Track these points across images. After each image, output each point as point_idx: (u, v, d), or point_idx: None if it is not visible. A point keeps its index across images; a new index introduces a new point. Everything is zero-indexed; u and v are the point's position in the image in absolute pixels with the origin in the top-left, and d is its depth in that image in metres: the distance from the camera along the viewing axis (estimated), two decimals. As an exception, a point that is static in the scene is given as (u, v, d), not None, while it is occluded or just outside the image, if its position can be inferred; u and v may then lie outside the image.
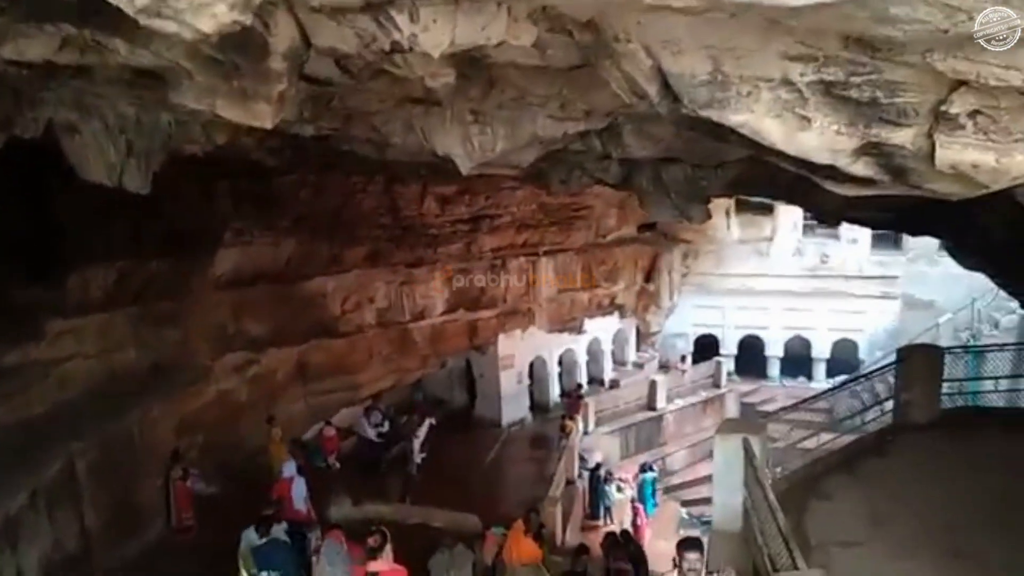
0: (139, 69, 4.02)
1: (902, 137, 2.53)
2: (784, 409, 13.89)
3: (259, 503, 11.43)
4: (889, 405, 12.82)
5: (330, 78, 4.78)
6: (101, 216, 12.41)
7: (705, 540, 8.02)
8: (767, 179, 7.49)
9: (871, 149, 2.67)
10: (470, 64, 4.04)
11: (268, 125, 3.77)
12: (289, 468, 11.28)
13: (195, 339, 12.99)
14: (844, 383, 17.91)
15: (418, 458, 15.36)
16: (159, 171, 7.63)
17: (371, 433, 15.98)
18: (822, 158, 2.73)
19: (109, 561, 9.56)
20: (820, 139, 2.65)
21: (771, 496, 7.78)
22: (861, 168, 2.74)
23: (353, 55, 3.59)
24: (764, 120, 2.68)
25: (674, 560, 8.43)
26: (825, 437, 13.36)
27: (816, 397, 15.11)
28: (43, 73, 4.50)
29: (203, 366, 13.07)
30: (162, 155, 6.65)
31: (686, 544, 5.19)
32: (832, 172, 2.85)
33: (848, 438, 13.15)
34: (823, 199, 7.37)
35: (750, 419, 19.21)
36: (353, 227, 16.45)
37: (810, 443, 13.10)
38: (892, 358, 20.34)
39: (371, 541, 5.83)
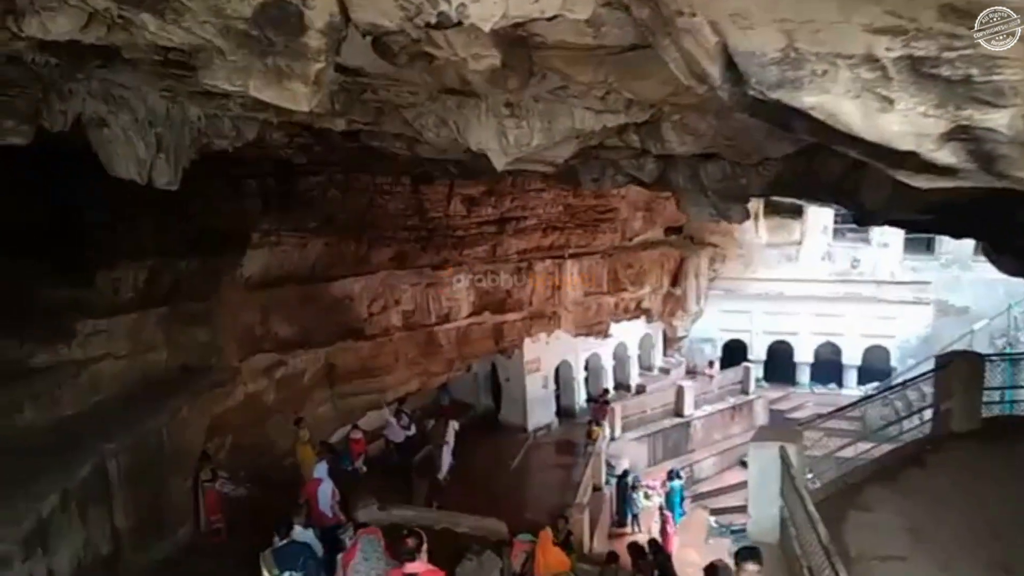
0: (168, 50, 3.88)
1: (997, 119, 2.32)
2: (820, 417, 13.62)
3: (288, 506, 11.41)
4: (925, 414, 12.53)
5: (362, 67, 4.64)
6: (130, 215, 12.51)
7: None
8: (810, 177, 7.26)
9: (960, 134, 2.46)
10: (515, 45, 3.86)
11: (305, 108, 3.62)
12: (320, 469, 11.22)
13: (224, 340, 12.98)
14: (883, 390, 17.54)
15: (447, 468, 15.30)
16: (188, 170, 7.60)
17: (401, 436, 15.94)
18: (904, 144, 2.53)
19: (139, 563, 9.53)
20: (904, 122, 2.44)
21: (811, 507, 7.55)
22: (946, 155, 2.53)
23: (395, 31, 3.43)
24: (841, 102, 2.47)
25: (707, 570, 8.24)
26: (858, 446, 13.10)
27: (854, 404, 14.80)
28: (70, 61, 4.40)
29: (232, 367, 13.06)
30: (192, 150, 6.58)
31: (745, 554, 4.97)
32: (906, 161, 2.65)
33: (883, 447, 12.90)
34: (869, 197, 7.12)
35: (780, 426, 18.91)
36: (380, 228, 16.45)
37: (841, 451, 12.84)
38: (925, 366, 20.04)
39: (409, 542, 5.69)
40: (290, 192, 14.87)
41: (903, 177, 2.93)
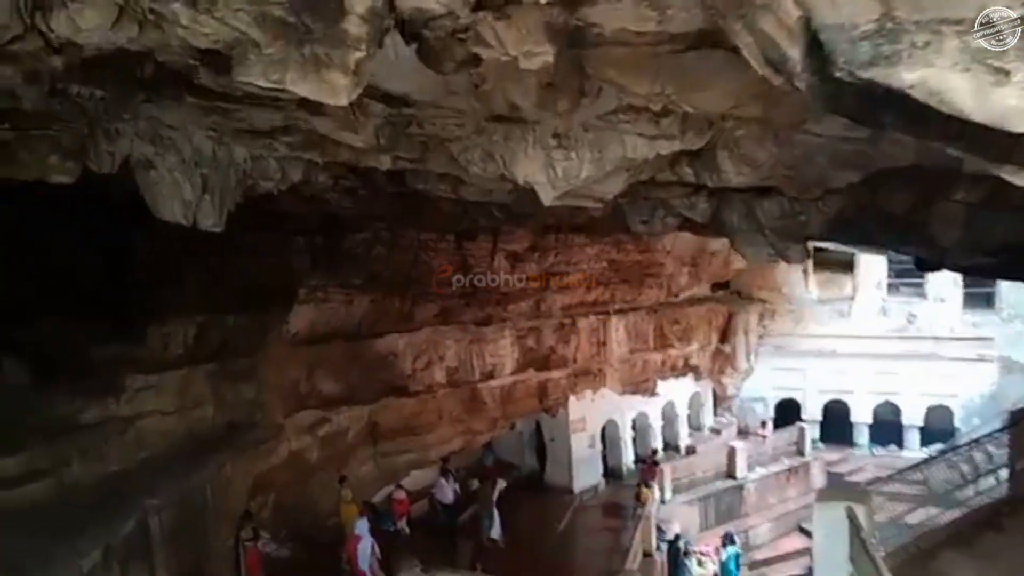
0: (203, 53, 3.80)
1: None
2: (887, 478, 12.89)
3: (329, 567, 11.14)
4: (995, 474, 11.81)
5: (408, 94, 4.56)
6: (179, 271, 12.73)
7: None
8: (875, 210, 6.92)
9: (1089, 110, 2.18)
10: (569, 42, 3.68)
11: (343, 101, 3.48)
12: (361, 526, 10.98)
13: (269, 396, 12.92)
14: (949, 450, 16.56)
15: (499, 530, 14.88)
16: (236, 226, 7.62)
17: (450, 496, 15.58)
18: (1023, 123, 2.25)
19: (179, 623, 9.28)
20: (1023, 96, 2.17)
21: (886, 573, 7.03)
22: (1074, 136, 2.24)
23: (442, 14, 3.30)
24: (947, 77, 2.19)
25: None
26: (925, 510, 12.33)
27: (919, 465, 13.99)
28: (115, 95, 4.41)
29: (276, 424, 12.95)
30: (237, 192, 6.59)
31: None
32: (1017, 151, 2.37)
33: (949, 510, 12.12)
34: (941, 231, 6.73)
35: (846, 486, 17.98)
36: (424, 285, 16.45)
37: (906, 516, 12.11)
38: (991, 425, 18.98)
39: (459, 598, 5.42)
40: (337, 249, 15.03)
41: (1008, 175, 2.65)
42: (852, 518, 8.51)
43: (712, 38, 3.29)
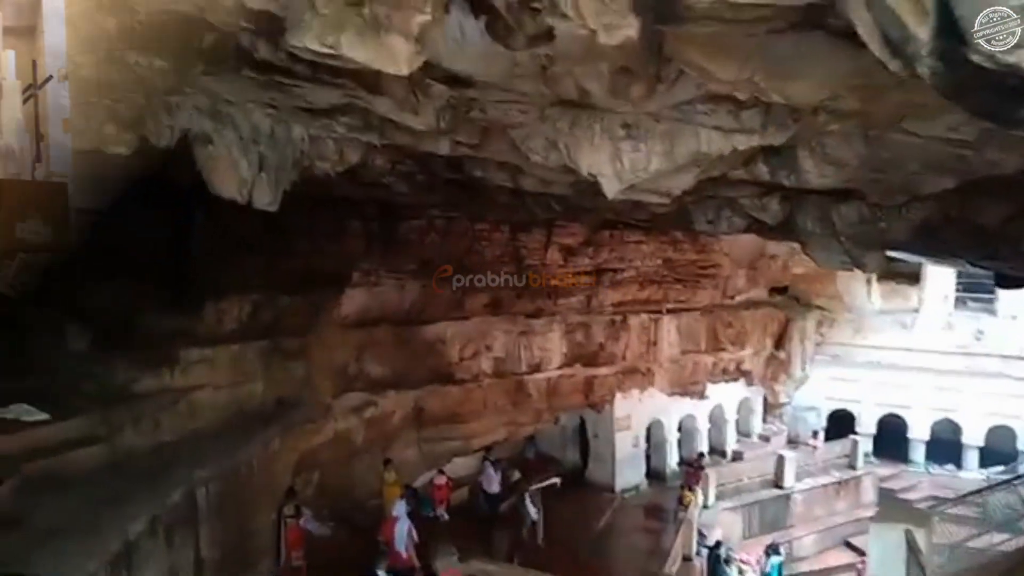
0: (258, 15, 3.62)
1: None
2: (939, 500, 12.34)
3: (368, 548, 11.19)
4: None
5: (472, 75, 4.34)
6: (238, 250, 12.87)
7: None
8: (964, 223, 6.44)
9: None
10: (656, 16, 3.34)
11: (404, 70, 3.26)
12: (399, 508, 11.00)
13: (318, 376, 13.01)
14: (1018, 477, 15.80)
15: (539, 516, 14.78)
16: (293, 210, 7.49)
17: (496, 486, 15.55)
18: None
19: (221, 595, 9.39)
20: None
21: (948, 604, 6.69)
22: None
23: None
24: None
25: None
26: (984, 534, 11.77)
27: (980, 491, 13.37)
28: (174, 65, 4.33)
29: (324, 404, 13.05)
30: (294, 172, 6.50)
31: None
32: None
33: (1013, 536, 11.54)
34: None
35: (905, 506, 17.37)
36: (476, 273, 16.35)
37: (964, 539, 11.57)
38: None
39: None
40: (391, 234, 15.06)
41: None
42: (911, 542, 8.16)
43: (819, 16, 2.96)
